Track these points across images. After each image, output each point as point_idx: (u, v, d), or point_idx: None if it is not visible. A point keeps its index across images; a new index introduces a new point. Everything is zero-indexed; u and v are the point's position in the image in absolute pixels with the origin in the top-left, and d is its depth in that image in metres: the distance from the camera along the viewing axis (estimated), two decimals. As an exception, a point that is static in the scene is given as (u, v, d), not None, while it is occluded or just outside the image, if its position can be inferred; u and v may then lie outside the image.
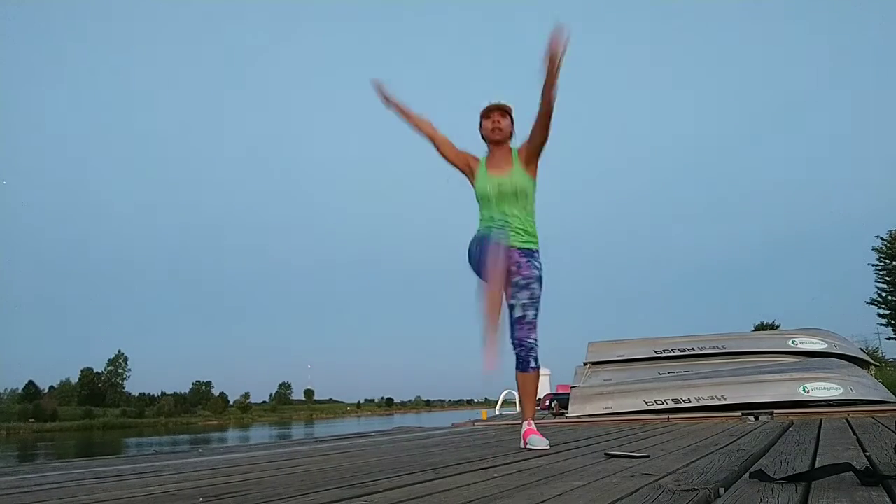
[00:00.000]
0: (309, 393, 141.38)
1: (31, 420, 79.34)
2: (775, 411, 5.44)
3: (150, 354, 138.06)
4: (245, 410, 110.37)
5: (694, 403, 6.24)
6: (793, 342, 7.75)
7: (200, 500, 1.54)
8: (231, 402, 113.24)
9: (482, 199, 3.03)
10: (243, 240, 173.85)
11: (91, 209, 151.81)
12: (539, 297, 2.93)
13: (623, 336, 8.66)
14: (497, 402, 13.47)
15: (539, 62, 2.68)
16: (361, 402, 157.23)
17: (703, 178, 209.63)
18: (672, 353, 8.04)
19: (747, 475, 1.59)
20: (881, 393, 6.12)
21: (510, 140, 3.08)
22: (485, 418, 9.79)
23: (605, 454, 2.35)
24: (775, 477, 1.49)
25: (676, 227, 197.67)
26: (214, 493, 1.66)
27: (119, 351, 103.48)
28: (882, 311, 29.10)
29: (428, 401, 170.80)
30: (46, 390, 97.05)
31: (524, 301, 2.89)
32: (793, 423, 4.27)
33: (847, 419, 4.44)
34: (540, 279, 2.94)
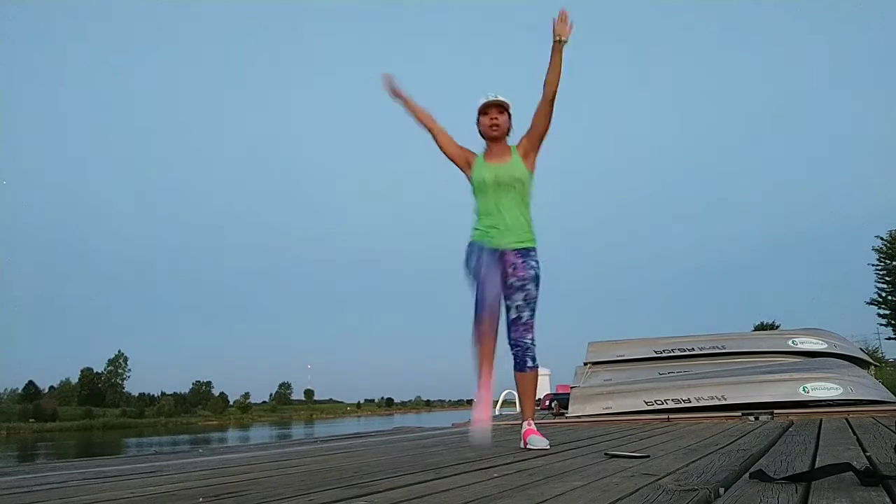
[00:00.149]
0: (309, 393, 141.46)
1: (31, 420, 79.36)
2: (775, 411, 5.44)
3: (150, 354, 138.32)
4: (245, 410, 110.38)
5: (694, 403, 6.24)
6: (793, 342, 7.75)
7: (200, 500, 1.54)
8: (231, 402, 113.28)
9: (478, 189, 3.01)
10: (243, 240, 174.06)
11: (91, 209, 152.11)
12: (535, 298, 2.91)
13: (623, 336, 8.66)
14: (497, 402, 13.47)
15: (541, 60, 2.74)
16: (361, 402, 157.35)
17: (703, 178, 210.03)
18: (672, 354, 8.04)
19: (747, 475, 1.59)
20: (881, 393, 6.12)
21: (508, 137, 3.08)
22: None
23: (605, 454, 2.35)
24: (775, 477, 1.49)
25: (676, 227, 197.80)
26: (214, 493, 1.66)
27: (119, 351, 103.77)
28: (882, 311, 29.10)
29: (428, 401, 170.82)
30: (46, 390, 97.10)
31: (519, 303, 2.88)
32: (793, 423, 4.27)
33: (847, 419, 4.44)
34: (536, 279, 2.91)
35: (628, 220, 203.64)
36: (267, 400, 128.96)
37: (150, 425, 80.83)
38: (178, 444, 24.61)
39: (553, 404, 11.06)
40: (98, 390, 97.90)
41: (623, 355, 8.18)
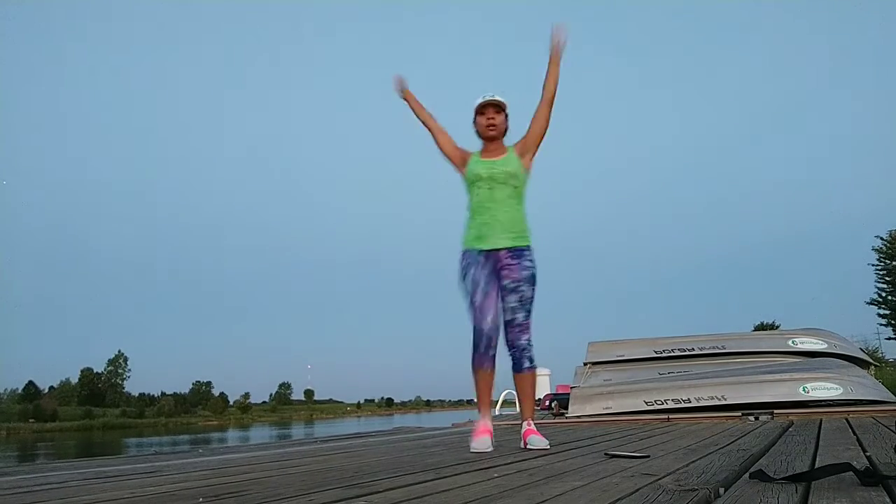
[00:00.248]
0: (309, 393, 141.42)
1: (31, 420, 79.30)
2: (775, 411, 5.44)
3: (150, 354, 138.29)
4: (245, 410, 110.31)
5: (694, 403, 6.23)
6: (793, 342, 7.74)
7: (201, 500, 1.54)
8: (231, 403, 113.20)
9: (472, 184, 3.00)
10: (243, 240, 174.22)
11: (91, 209, 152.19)
12: (530, 299, 2.89)
13: (623, 336, 8.66)
14: (497, 402, 13.46)
15: (542, 59, 2.78)
16: (361, 402, 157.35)
17: (703, 178, 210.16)
18: (672, 354, 8.03)
19: (747, 475, 1.59)
20: (881, 393, 6.12)
21: (504, 137, 3.08)
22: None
23: (605, 454, 2.35)
24: (775, 477, 1.49)
25: (676, 227, 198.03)
26: (215, 494, 1.66)
27: (119, 351, 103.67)
28: (882, 311, 29.10)
29: (428, 401, 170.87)
30: (46, 390, 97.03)
31: (513, 304, 2.87)
32: (793, 423, 4.27)
33: (847, 419, 4.44)
34: (531, 279, 2.89)
35: (628, 220, 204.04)
36: (267, 400, 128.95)
37: (150, 425, 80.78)
38: (178, 444, 24.59)
39: (553, 404, 11.06)
40: (98, 390, 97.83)
41: (623, 355, 8.18)
